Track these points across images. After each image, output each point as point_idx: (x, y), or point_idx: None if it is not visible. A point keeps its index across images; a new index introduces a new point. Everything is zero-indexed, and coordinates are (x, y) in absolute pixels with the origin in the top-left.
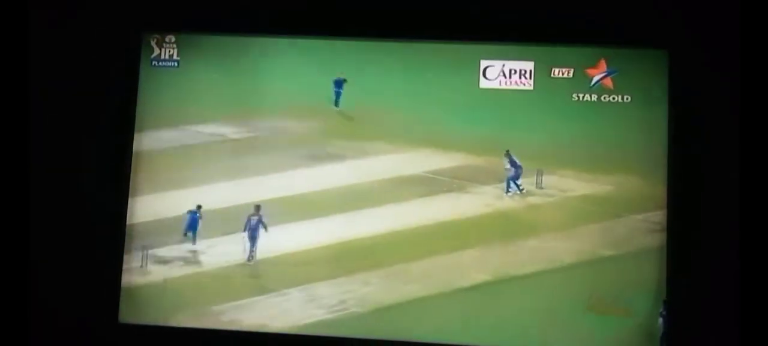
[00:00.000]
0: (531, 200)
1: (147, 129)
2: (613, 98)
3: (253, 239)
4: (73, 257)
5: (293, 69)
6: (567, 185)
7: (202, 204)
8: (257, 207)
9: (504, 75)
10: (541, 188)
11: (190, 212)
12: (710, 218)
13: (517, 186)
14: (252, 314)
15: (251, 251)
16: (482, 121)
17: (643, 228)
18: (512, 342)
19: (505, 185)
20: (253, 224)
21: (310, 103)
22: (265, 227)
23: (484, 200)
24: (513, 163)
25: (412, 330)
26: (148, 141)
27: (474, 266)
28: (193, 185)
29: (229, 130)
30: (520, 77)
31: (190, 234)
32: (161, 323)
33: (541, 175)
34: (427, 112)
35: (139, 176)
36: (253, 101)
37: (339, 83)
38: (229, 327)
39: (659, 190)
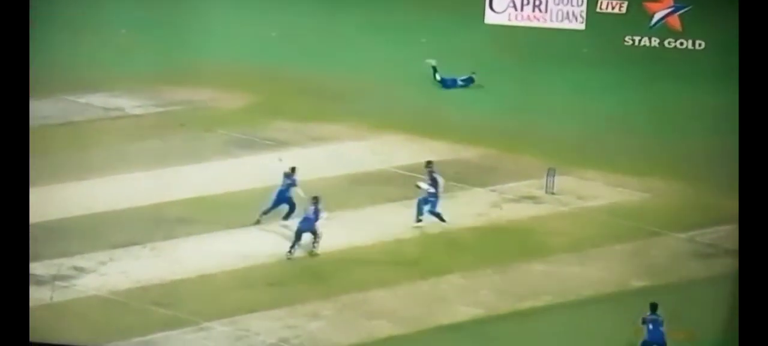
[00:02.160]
0: (538, 209)
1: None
2: (681, 43)
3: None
4: None
5: (226, 19)
6: (587, 190)
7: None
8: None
9: (514, 5)
10: (552, 192)
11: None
12: None
13: (435, 213)
14: None
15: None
16: (478, 93)
17: (689, 250)
18: None
19: (415, 209)
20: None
21: (249, 66)
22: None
23: (475, 208)
24: (433, 181)
25: None
26: None
27: (460, 297)
28: (79, 176)
29: (129, 104)
30: (534, 9)
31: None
32: None
33: (553, 176)
34: (405, 82)
35: None
36: (171, 65)
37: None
38: None
39: (719, 197)
